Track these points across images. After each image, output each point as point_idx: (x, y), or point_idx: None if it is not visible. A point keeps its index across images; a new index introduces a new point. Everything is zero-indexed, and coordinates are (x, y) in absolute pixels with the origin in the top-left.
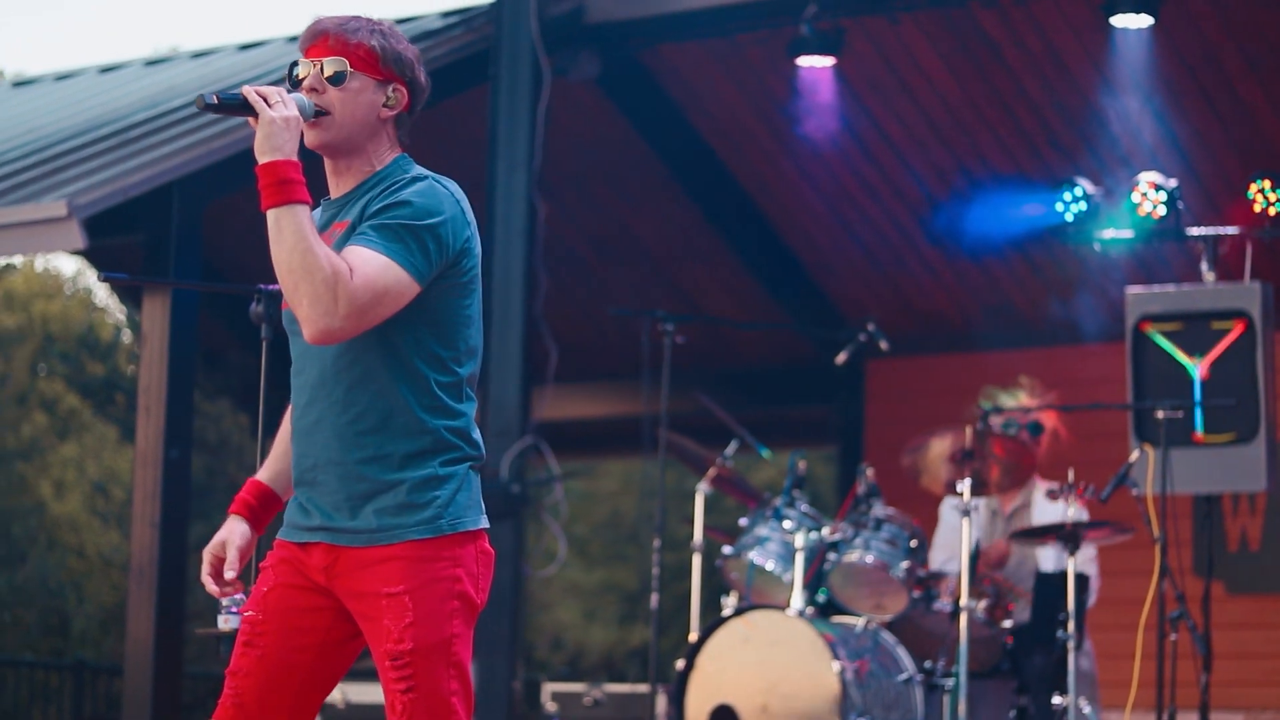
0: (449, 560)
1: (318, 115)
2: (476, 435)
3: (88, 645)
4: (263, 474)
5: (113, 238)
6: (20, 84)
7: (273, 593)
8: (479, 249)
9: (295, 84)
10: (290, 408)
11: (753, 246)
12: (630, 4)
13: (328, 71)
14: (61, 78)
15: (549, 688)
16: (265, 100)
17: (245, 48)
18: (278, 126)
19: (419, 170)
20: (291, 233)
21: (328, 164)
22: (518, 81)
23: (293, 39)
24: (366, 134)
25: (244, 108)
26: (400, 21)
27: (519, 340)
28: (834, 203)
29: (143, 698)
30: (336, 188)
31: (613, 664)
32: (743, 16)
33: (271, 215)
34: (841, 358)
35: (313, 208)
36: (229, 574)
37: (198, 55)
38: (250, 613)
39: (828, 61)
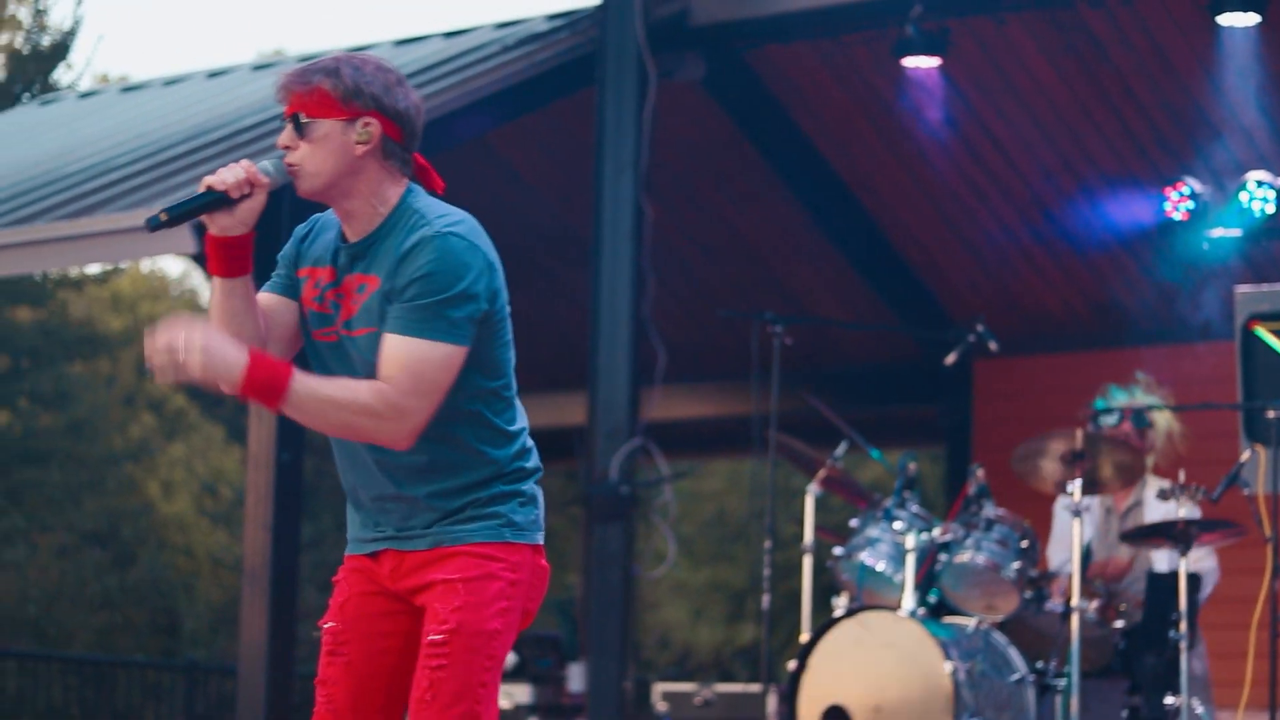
0: (507, 564)
1: (294, 168)
2: (533, 449)
3: (198, 645)
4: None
5: None
6: (129, 89)
7: (349, 602)
8: (503, 280)
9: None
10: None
11: (859, 247)
12: (735, 5)
13: (295, 125)
14: (170, 83)
15: (659, 688)
16: (234, 185)
17: (353, 51)
18: (214, 358)
19: (431, 216)
20: (311, 409)
21: (334, 211)
22: (624, 84)
23: (400, 42)
24: (346, 174)
25: (209, 203)
26: (504, 25)
27: (627, 342)
28: (940, 203)
29: (256, 698)
30: (350, 231)
31: (720, 663)
32: (848, 17)
33: (291, 405)
34: (951, 358)
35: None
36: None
37: (304, 59)
38: (331, 624)
39: (933, 62)
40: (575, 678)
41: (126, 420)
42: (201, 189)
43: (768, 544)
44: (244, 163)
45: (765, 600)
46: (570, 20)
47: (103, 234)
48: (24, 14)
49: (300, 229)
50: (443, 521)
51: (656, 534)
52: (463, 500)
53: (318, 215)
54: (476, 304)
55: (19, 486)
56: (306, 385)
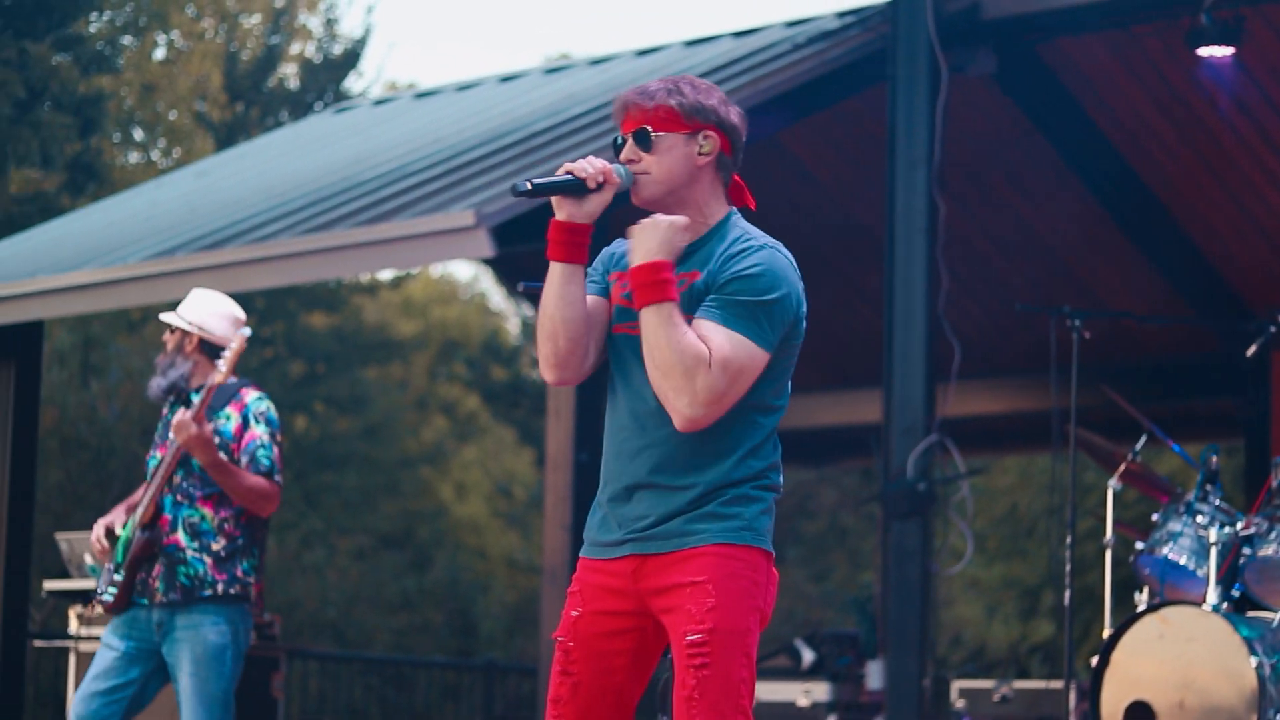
0: (749, 564)
1: (641, 176)
2: (780, 476)
3: (494, 646)
4: None
5: (516, 245)
6: (422, 95)
7: (581, 620)
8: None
9: (618, 152)
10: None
11: (1155, 239)
12: None
13: (638, 140)
14: (462, 88)
15: (957, 684)
16: (593, 175)
17: (642, 53)
18: (675, 233)
19: (756, 233)
20: (664, 328)
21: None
22: (915, 79)
23: (691, 43)
24: (685, 183)
25: (568, 187)
26: (794, 23)
27: (922, 338)
28: (1237, 193)
29: None
30: None
31: (1015, 660)
32: (1140, 8)
33: (647, 311)
34: (1251, 350)
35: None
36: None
37: (596, 62)
38: (563, 639)
39: (1227, 51)
40: (874, 675)
41: (419, 424)
42: (561, 174)
43: (1068, 539)
44: (600, 160)
45: (1066, 596)
46: (861, 17)
47: (400, 239)
48: (315, 24)
49: (610, 247)
50: (684, 516)
51: (953, 530)
52: (710, 498)
53: (623, 239)
54: (786, 318)
55: (316, 490)
56: (675, 313)
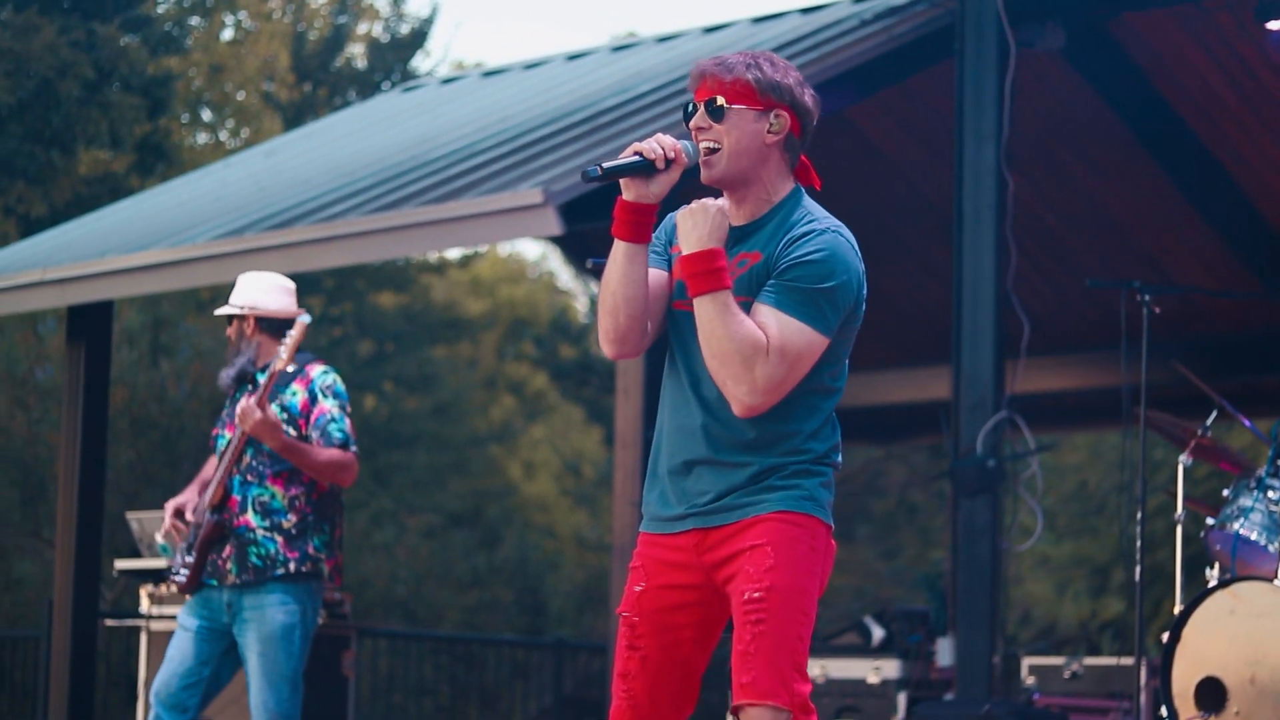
0: (809, 531)
1: (710, 153)
2: (840, 449)
3: (564, 624)
4: None
5: (584, 223)
6: (489, 74)
7: (645, 594)
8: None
9: (688, 119)
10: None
11: (1225, 214)
12: None
13: (710, 109)
14: (530, 66)
15: (1027, 661)
16: (661, 156)
17: (709, 30)
18: (723, 217)
19: (819, 214)
20: (721, 317)
21: (726, 195)
22: (983, 54)
23: (758, 20)
24: (755, 161)
25: (636, 168)
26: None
27: (991, 315)
28: None
29: None
30: (736, 216)
31: (1085, 637)
32: None
33: (702, 301)
34: None
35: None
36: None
37: (663, 40)
38: (628, 614)
39: None
40: (944, 652)
41: (488, 403)
42: (629, 154)
43: (1138, 516)
44: (668, 138)
45: (1137, 573)
46: None
47: (468, 218)
48: (382, 3)
49: (671, 216)
50: (744, 490)
51: (1022, 507)
52: (770, 473)
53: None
54: (846, 302)
55: (386, 469)
56: (730, 301)
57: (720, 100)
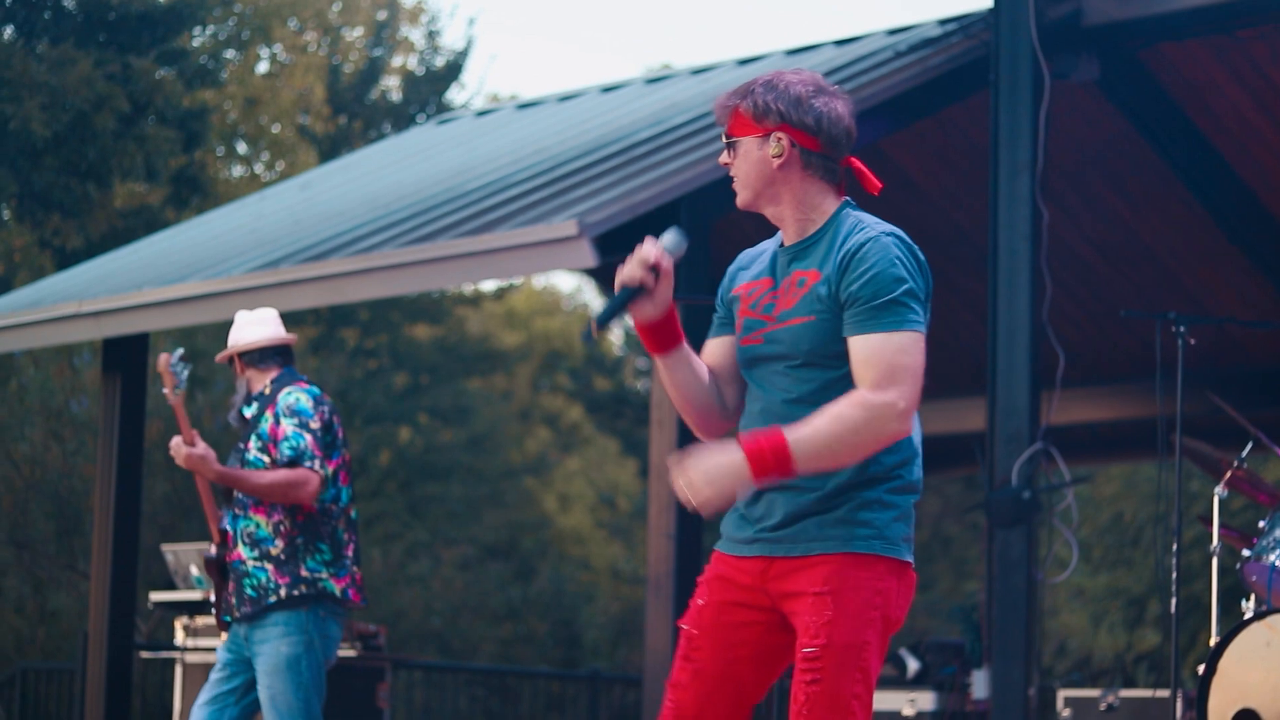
0: (875, 575)
1: (736, 184)
2: (919, 469)
3: (599, 656)
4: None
5: (620, 255)
6: (524, 106)
7: (707, 608)
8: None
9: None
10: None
11: (1259, 244)
12: (1129, 4)
13: (727, 142)
14: (564, 99)
15: (1062, 693)
16: (646, 274)
17: (744, 62)
18: (717, 477)
19: (869, 223)
20: (822, 455)
21: (768, 216)
22: (1018, 86)
23: (792, 52)
24: (767, 185)
25: (630, 298)
26: (896, 31)
27: (1026, 346)
28: None
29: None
30: (787, 235)
31: (1121, 669)
32: (1245, 12)
33: (805, 463)
34: None
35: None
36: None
37: (697, 71)
38: (687, 626)
39: None
40: (979, 684)
41: (523, 435)
42: (616, 289)
43: (1174, 547)
44: (645, 248)
45: (1172, 604)
46: (963, 24)
47: (502, 250)
48: (418, 36)
49: (732, 266)
50: (814, 518)
51: (1058, 539)
52: (841, 500)
53: (748, 249)
54: (926, 291)
55: (421, 501)
56: (802, 438)
57: (729, 132)
